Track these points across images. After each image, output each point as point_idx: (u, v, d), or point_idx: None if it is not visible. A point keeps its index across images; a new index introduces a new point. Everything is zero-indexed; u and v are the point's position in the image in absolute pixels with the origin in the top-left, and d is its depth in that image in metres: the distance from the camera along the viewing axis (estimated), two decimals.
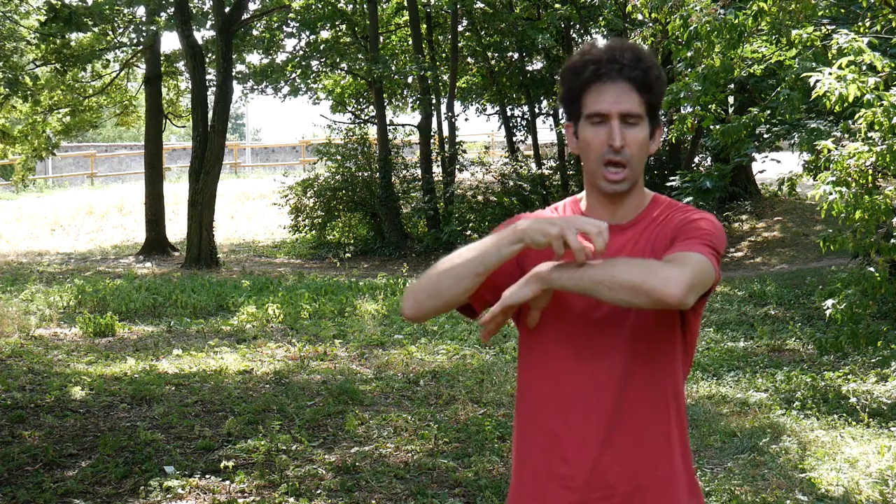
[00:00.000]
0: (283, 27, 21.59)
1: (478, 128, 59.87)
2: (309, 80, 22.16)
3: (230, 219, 23.45)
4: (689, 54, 8.46)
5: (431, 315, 2.08)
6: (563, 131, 2.23)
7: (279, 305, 11.11)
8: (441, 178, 20.31)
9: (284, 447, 5.81)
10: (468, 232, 18.25)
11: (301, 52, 21.85)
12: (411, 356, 8.64)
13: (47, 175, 31.11)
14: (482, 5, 20.40)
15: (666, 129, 9.64)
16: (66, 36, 17.89)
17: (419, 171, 20.26)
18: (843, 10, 8.60)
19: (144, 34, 19.19)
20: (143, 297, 11.92)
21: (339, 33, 22.37)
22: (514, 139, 22.15)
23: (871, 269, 6.82)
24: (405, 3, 20.70)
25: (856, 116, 6.32)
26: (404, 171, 20.45)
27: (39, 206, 24.96)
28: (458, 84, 21.30)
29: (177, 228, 21.05)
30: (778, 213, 18.34)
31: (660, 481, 2.08)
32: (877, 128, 6.11)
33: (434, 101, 19.91)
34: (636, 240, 2.11)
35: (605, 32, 19.18)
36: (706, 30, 7.62)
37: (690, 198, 9.85)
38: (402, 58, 22.70)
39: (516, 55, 21.69)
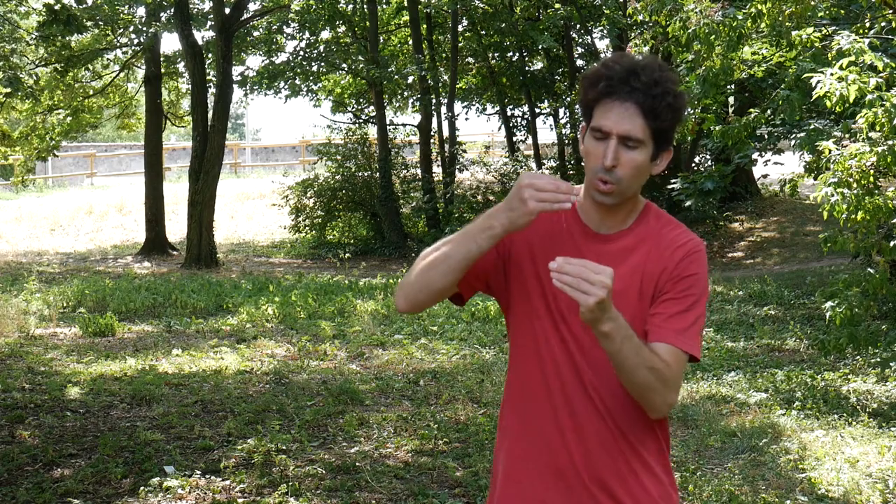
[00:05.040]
0: (284, 28, 21.57)
1: (478, 128, 59.77)
2: (309, 81, 22.14)
3: (230, 219, 23.43)
4: (689, 57, 8.46)
5: (424, 307, 2.15)
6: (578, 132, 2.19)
7: (279, 305, 11.11)
8: (441, 178, 20.30)
9: (284, 447, 5.81)
10: None
11: (301, 54, 21.83)
12: (411, 356, 8.63)
13: (47, 175, 31.08)
14: (482, 5, 20.39)
15: None
16: (66, 37, 17.87)
17: (419, 171, 20.25)
18: (842, 11, 8.60)
19: (144, 35, 19.18)
20: (142, 297, 11.91)
21: (339, 34, 22.36)
22: (515, 139, 22.15)
23: (871, 269, 6.82)
24: (405, 4, 20.69)
25: (857, 117, 6.31)
26: (404, 171, 20.44)
27: (39, 206, 24.93)
28: (458, 84, 21.29)
29: (177, 228, 21.03)
30: (778, 213, 18.34)
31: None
32: (878, 128, 6.11)
33: (434, 102, 19.90)
34: (623, 256, 2.13)
35: (605, 32, 19.18)
36: (704, 32, 7.61)
37: (691, 200, 9.85)
38: (402, 58, 22.69)
39: (516, 55, 21.68)
